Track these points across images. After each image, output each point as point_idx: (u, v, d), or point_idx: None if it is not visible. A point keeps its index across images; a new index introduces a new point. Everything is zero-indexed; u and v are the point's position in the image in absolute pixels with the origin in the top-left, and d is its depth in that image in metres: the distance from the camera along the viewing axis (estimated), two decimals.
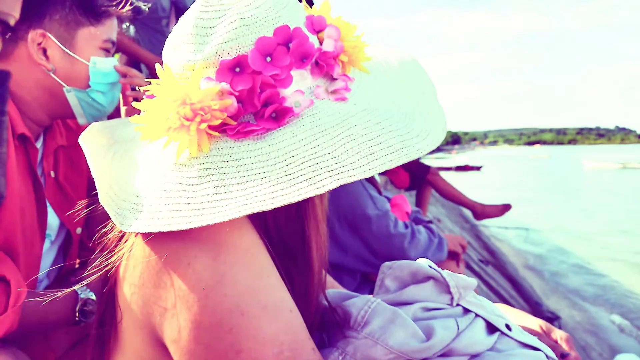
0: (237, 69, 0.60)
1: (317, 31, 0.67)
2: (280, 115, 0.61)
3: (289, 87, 0.61)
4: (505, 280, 6.69)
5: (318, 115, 0.61)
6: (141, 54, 2.66)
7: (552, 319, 5.71)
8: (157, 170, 0.64)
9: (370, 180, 1.88)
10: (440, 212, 9.09)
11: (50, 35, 1.14)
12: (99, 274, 0.66)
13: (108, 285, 0.68)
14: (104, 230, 0.69)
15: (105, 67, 1.22)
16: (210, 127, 0.60)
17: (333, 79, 0.65)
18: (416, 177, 3.54)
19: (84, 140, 0.76)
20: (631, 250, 11.71)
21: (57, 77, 1.17)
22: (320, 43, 0.66)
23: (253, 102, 0.61)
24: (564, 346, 0.80)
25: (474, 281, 0.77)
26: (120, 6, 1.23)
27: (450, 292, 0.74)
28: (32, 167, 1.14)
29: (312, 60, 0.63)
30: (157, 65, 0.65)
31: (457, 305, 0.74)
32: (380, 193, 1.88)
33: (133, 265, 0.61)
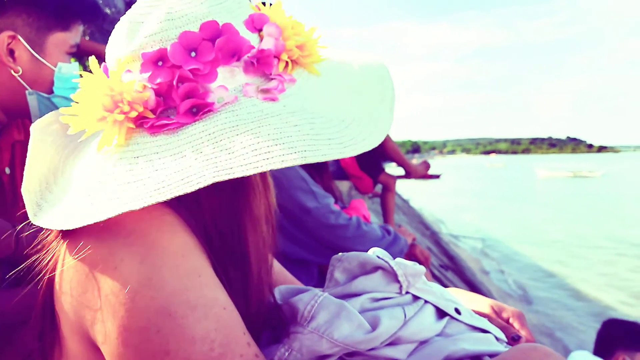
0: (160, 63, 0.60)
1: (259, 29, 0.66)
2: (199, 110, 0.60)
3: (213, 82, 0.61)
4: (465, 285, 6.85)
5: (237, 112, 0.60)
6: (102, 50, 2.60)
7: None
8: (86, 164, 0.64)
9: (321, 177, 1.96)
10: (401, 219, 9.23)
11: (20, 38, 1.13)
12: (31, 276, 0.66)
13: (42, 292, 0.66)
14: (43, 232, 0.67)
15: (68, 73, 1.22)
16: (131, 119, 0.60)
17: (270, 79, 0.64)
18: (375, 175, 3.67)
19: (37, 127, 0.74)
20: (584, 255, 12.24)
21: (22, 80, 1.16)
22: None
23: (171, 96, 0.61)
24: (516, 325, 0.82)
25: (422, 268, 0.78)
26: (92, 14, 1.24)
27: (398, 281, 0.74)
28: None
29: (244, 57, 0.63)
30: (91, 58, 0.64)
31: (407, 293, 0.74)
32: (335, 197, 1.92)
33: (65, 270, 0.60)
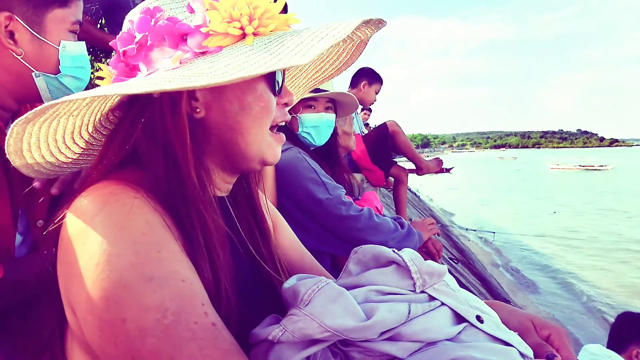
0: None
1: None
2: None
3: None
4: (475, 278, 6.86)
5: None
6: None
7: None
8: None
9: (331, 169, 1.99)
10: (411, 213, 9.24)
11: (17, 18, 1.09)
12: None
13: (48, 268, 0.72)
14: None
15: (74, 51, 1.18)
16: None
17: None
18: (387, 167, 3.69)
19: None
20: (593, 248, 12.18)
21: (26, 61, 1.12)
22: None
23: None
24: (556, 343, 0.77)
25: (442, 268, 0.73)
26: None
27: (412, 278, 0.70)
28: (3, 156, 1.08)
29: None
30: None
31: (423, 292, 0.70)
32: (352, 193, 1.94)
33: (59, 244, 0.67)
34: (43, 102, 1.18)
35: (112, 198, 0.64)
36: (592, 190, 28.55)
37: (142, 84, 0.65)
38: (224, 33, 0.70)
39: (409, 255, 0.73)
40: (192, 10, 0.73)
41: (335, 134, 2.05)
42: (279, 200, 1.77)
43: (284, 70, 0.80)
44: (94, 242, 0.61)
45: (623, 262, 10.87)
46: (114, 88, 0.66)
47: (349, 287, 0.71)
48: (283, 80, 0.80)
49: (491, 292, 6.63)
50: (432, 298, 0.70)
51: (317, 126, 1.92)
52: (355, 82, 3.88)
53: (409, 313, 0.66)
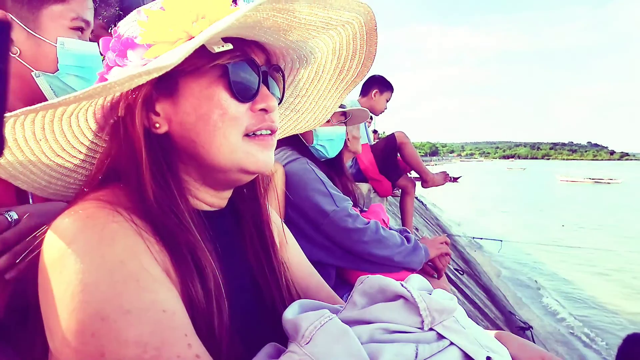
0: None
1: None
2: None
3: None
4: (480, 290, 6.80)
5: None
6: None
7: (525, 328, 5.84)
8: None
9: (339, 179, 1.99)
10: (418, 222, 9.21)
11: (11, 16, 1.05)
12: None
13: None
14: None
15: (77, 49, 1.13)
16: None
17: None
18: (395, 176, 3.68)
19: None
20: (602, 263, 12.04)
21: (23, 60, 1.08)
22: None
23: None
24: None
25: (452, 305, 0.70)
26: None
27: (420, 315, 0.67)
28: None
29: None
30: None
31: (431, 329, 0.67)
32: (356, 202, 1.94)
33: (39, 269, 0.64)
34: None
35: (90, 223, 0.62)
36: (601, 204, 28.29)
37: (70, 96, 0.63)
38: (158, 42, 0.68)
39: (417, 285, 0.71)
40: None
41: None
42: (286, 211, 1.77)
43: (263, 75, 0.76)
44: (70, 271, 0.58)
45: (628, 281, 10.73)
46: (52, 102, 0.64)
47: (354, 322, 0.69)
48: (259, 85, 0.75)
49: (496, 304, 6.57)
50: (440, 336, 0.67)
51: (332, 139, 1.95)
52: (366, 90, 3.89)
53: (416, 357, 0.63)
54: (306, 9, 0.70)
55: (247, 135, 0.74)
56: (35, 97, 1.13)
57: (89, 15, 1.17)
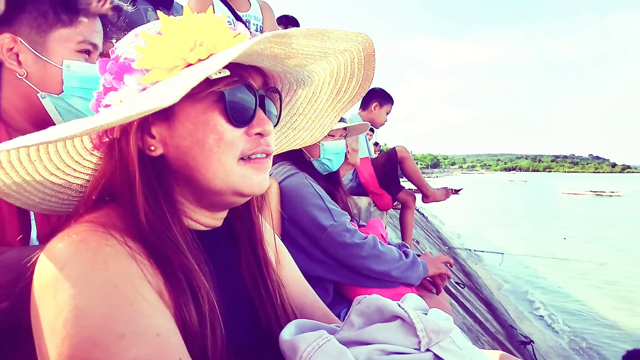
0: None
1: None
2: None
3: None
4: (481, 303, 6.77)
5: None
6: None
7: (526, 342, 5.80)
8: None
9: (337, 196, 1.99)
10: (419, 234, 9.19)
11: (20, 39, 1.08)
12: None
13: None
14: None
15: (82, 71, 1.15)
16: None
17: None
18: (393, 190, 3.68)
19: None
20: (602, 277, 11.99)
21: (30, 82, 1.11)
22: None
23: None
24: None
25: (448, 325, 0.70)
26: (97, 4, 1.16)
27: (417, 336, 0.67)
28: None
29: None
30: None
31: (428, 350, 0.67)
32: (351, 216, 1.95)
33: (31, 292, 0.63)
34: (55, 124, 1.16)
35: (82, 247, 0.61)
36: (603, 217, 28.19)
37: (63, 128, 0.63)
38: (156, 68, 0.68)
39: (413, 305, 0.72)
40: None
41: None
42: (284, 226, 1.77)
43: (260, 98, 0.76)
44: (63, 295, 0.57)
45: (623, 294, 10.68)
46: (33, 137, 0.63)
47: (352, 343, 0.69)
48: (256, 110, 0.75)
49: (497, 318, 6.54)
50: (437, 358, 0.67)
51: (338, 153, 1.99)
52: (366, 103, 3.92)
53: None
54: (304, 41, 0.71)
55: (242, 158, 0.74)
56: (41, 117, 1.16)
57: (97, 39, 1.19)
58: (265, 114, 0.79)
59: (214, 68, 0.59)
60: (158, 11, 0.75)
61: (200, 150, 0.71)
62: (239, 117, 0.72)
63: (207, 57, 0.68)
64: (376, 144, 13.75)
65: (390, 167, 3.66)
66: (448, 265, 2.02)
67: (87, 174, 0.80)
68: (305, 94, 0.94)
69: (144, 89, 0.69)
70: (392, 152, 3.72)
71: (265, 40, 0.64)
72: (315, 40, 0.73)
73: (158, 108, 0.55)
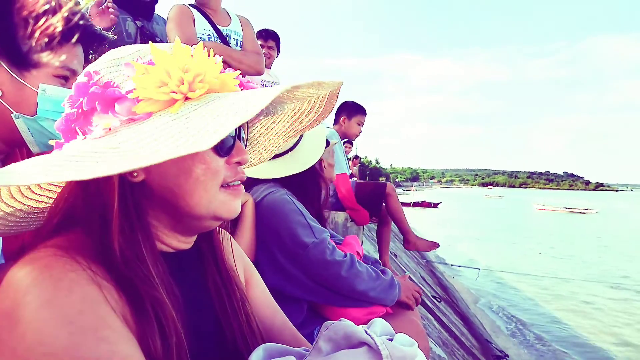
0: None
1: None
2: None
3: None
4: (457, 317, 6.82)
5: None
6: None
7: (501, 357, 5.86)
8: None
9: (316, 212, 1.96)
10: (397, 248, 9.24)
11: None
12: None
13: None
14: None
15: (57, 96, 1.15)
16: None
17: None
18: (374, 203, 3.69)
19: None
20: (576, 293, 12.21)
21: (4, 102, 1.11)
22: None
23: None
24: None
25: (413, 351, 0.71)
26: (83, 35, 1.15)
27: None
28: None
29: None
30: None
31: None
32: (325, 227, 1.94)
33: None
34: (26, 144, 1.18)
35: (46, 273, 0.60)
36: (577, 233, 28.79)
37: (46, 166, 0.62)
38: (150, 99, 0.67)
39: (380, 330, 0.72)
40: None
41: (315, 170, 2.03)
42: (263, 243, 1.75)
43: (237, 129, 0.79)
44: (25, 322, 0.56)
45: (601, 310, 10.90)
46: (12, 177, 0.60)
47: None
48: (235, 140, 0.78)
49: (473, 332, 6.59)
50: None
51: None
52: (336, 118, 4.01)
53: None
54: (302, 89, 0.76)
55: (222, 186, 0.76)
56: (14, 137, 1.16)
57: (77, 65, 1.19)
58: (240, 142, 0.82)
59: (250, 114, 0.59)
60: (150, 42, 0.74)
61: (186, 178, 0.72)
62: (223, 147, 0.75)
63: (205, 93, 0.69)
64: (356, 157, 13.84)
65: (375, 197, 3.68)
66: (418, 294, 2.02)
67: (49, 197, 0.78)
68: (265, 121, 1.00)
69: (134, 120, 0.67)
70: (382, 186, 3.76)
71: (284, 90, 0.68)
72: (313, 88, 0.77)
73: (194, 151, 0.56)
